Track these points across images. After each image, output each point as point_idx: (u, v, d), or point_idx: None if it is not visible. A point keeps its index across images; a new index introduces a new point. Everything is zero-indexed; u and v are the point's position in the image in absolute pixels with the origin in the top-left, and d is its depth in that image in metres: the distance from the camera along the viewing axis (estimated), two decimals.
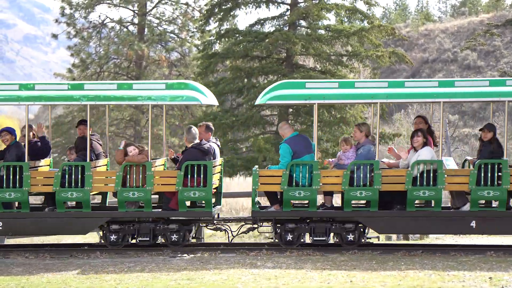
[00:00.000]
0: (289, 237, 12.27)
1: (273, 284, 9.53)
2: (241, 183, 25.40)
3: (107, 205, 13.71)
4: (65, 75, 39.99)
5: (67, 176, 12.38)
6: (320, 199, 12.97)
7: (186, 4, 38.74)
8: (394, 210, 12.13)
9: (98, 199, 15.01)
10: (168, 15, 39.04)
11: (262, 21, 28.51)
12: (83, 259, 12.00)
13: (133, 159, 12.35)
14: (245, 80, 27.42)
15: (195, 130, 12.64)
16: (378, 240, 12.96)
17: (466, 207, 12.11)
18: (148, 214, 12.36)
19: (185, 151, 12.60)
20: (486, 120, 47.29)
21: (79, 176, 12.34)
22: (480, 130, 12.50)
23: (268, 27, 28.92)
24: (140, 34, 38.18)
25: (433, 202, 12.11)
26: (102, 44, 38.26)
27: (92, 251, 12.39)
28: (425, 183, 11.89)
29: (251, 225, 12.93)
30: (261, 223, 12.72)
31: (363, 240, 12.33)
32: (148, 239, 12.42)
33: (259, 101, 12.47)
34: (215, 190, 13.07)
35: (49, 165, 13.63)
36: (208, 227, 13.13)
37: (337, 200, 15.11)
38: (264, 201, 13.03)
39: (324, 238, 12.22)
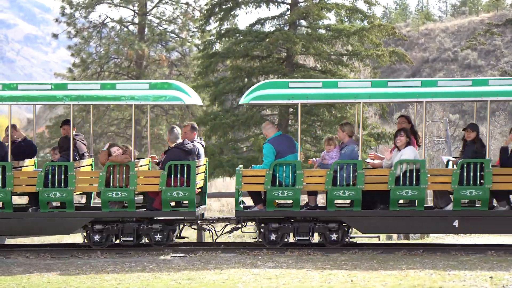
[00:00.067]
0: (273, 236, 12.30)
1: (274, 284, 9.53)
2: None
3: (91, 205, 13.70)
4: (65, 75, 39.96)
5: (50, 176, 12.38)
6: (305, 199, 12.99)
7: (187, 3, 38.71)
8: (378, 209, 12.17)
9: (84, 199, 15.00)
10: (169, 15, 39.01)
11: (262, 21, 28.47)
12: (83, 259, 12.00)
13: (116, 159, 12.37)
14: (246, 79, 27.38)
15: (177, 130, 12.69)
16: (379, 240, 12.97)
17: (449, 207, 12.14)
18: (131, 214, 12.38)
19: (168, 151, 12.61)
20: (486, 120, 47.25)
21: (62, 176, 12.33)
22: (464, 130, 12.55)
23: (268, 27, 28.89)
24: (141, 33, 38.16)
25: (416, 201, 12.12)
26: (103, 44, 38.24)
27: (92, 251, 12.39)
28: (408, 182, 11.91)
29: (235, 225, 12.91)
30: (245, 223, 12.70)
31: (346, 240, 12.40)
32: (131, 239, 12.44)
33: (242, 100, 12.55)
34: (199, 190, 13.09)
35: (33, 165, 13.62)
36: (192, 227, 13.13)
37: (322, 200, 15.16)
38: (250, 201, 13.05)
39: (307, 238, 12.24)
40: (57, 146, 13.51)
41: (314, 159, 13.09)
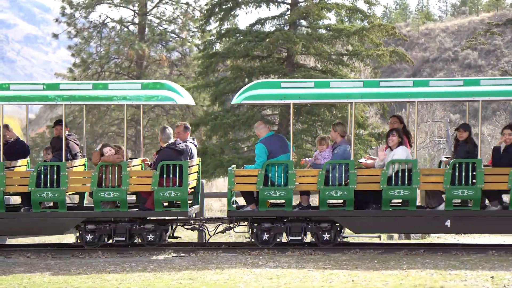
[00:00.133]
0: (265, 236, 12.31)
1: (275, 284, 9.53)
2: None
3: (84, 205, 13.69)
4: (66, 75, 39.97)
5: (42, 176, 12.39)
6: (297, 199, 13.00)
7: (187, 3, 38.70)
8: (370, 209, 12.17)
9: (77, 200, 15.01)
10: (169, 15, 39.00)
11: (262, 21, 28.46)
12: (84, 258, 12.00)
13: (108, 159, 12.39)
14: (246, 79, 27.37)
15: (169, 130, 12.71)
16: (380, 239, 12.97)
17: (442, 207, 12.15)
18: (124, 214, 12.38)
19: (160, 151, 12.62)
20: (486, 119, 47.29)
21: (55, 176, 12.33)
22: (456, 130, 12.55)
23: (268, 27, 28.89)
24: (141, 34, 38.15)
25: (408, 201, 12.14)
26: (103, 44, 38.23)
27: (93, 251, 12.39)
28: (400, 182, 11.92)
29: (228, 225, 12.91)
30: (237, 223, 12.70)
31: (339, 239, 12.41)
32: (124, 239, 12.44)
33: (234, 100, 12.56)
34: (192, 190, 13.10)
35: (26, 165, 13.61)
36: (185, 227, 13.14)
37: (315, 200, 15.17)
38: (243, 201, 13.07)
39: (300, 238, 12.24)
40: (50, 146, 13.51)
41: (306, 158, 13.11)
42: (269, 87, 12.49)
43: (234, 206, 12.49)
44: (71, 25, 38.22)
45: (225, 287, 9.48)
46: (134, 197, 13.69)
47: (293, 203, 12.35)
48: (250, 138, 28.15)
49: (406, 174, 11.96)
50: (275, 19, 28.37)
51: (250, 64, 27.53)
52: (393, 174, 12.00)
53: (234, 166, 12.77)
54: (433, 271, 10.17)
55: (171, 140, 12.61)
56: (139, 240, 12.75)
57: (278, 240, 12.47)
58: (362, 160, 13.00)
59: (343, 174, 12.06)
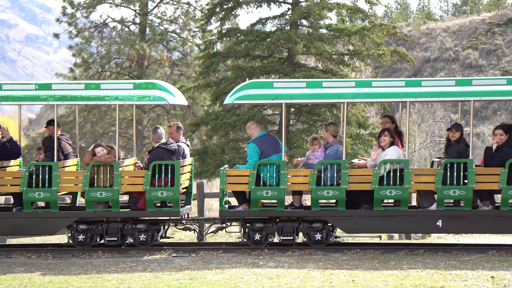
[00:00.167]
0: (257, 236, 12.31)
1: (275, 284, 9.52)
2: None
3: (77, 205, 13.69)
4: (66, 75, 40.01)
5: (34, 176, 12.38)
6: (290, 199, 12.99)
7: (188, 3, 38.72)
8: (361, 209, 12.17)
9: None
10: (170, 15, 39.02)
11: (263, 21, 28.46)
12: (85, 258, 12.01)
13: (100, 159, 12.39)
14: (247, 79, 27.35)
15: (161, 130, 12.71)
16: (380, 239, 12.96)
17: (433, 207, 12.15)
18: (115, 214, 12.39)
19: (151, 151, 12.62)
20: (487, 119, 47.27)
21: (47, 176, 12.32)
22: (448, 130, 12.55)
23: (269, 27, 28.88)
24: (142, 33, 38.17)
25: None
26: (104, 43, 38.26)
27: (94, 251, 12.40)
28: (391, 182, 11.92)
29: (220, 225, 12.92)
30: (229, 223, 12.70)
31: (331, 239, 12.39)
32: (116, 239, 12.44)
33: (226, 100, 12.56)
34: (184, 190, 13.10)
35: (18, 165, 13.61)
36: (177, 227, 13.15)
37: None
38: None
39: (292, 238, 12.24)
40: (42, 146, 13.50)
41: (299, 158, 13.11)
42: (261, 87, 12.48)
43: (226, 206, 12.48)
44: (72, 25, 38.26)
45: (225, 287, 9.48)
46: (126, 197, 13.67)
47: (286, 203, 12.34)
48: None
49: (398, 174, 11.96)
50: (276, 19, 28.36)
51: (251, 64, 27.52)
52: (385, 174, 12.00)
53: (226, 166, 12.76)
54: (434, 271, 10.17)
55: (163, 140, 12.62)
56: (131, 240, 12.76)
57: (270, 240, 12.46)
58: (355, 161, 13.02)
59: (335, 174, 12.06)
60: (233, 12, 28.74)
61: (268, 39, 26.36)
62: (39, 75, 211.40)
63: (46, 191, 12.31)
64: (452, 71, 56.94)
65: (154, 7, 39.00)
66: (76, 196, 13.78)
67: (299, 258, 11.49)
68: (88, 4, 37.71)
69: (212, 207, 25.70)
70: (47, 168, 12.35)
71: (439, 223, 12.06)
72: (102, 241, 12.73)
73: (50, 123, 13.48)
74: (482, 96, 12.11)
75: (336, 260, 11.20)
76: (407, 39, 33.96)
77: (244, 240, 12.49)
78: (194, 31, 38.56)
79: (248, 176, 12.12)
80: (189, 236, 19.20)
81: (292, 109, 26.93)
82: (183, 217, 13.06)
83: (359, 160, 12.95)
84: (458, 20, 66.46)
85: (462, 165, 11.92)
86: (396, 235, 16.33)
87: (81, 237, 12.52)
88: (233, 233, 14.15)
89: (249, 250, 12.23)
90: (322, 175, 12.06)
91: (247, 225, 12.43)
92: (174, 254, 12.08)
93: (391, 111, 35.51)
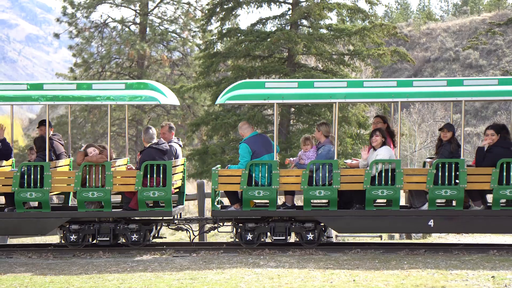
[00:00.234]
0: (249, 236, 12.30)
1: (276, 284, 9.52)
2: None
3: (69, 205, 13.69)
4: (67, 75, 40.04)
5: (26, 176, 12.37)
6: (282, 199, 12.99)
7: (188, 3, 38.75)
8: (353, 209, 12.17)
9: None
10: (170, 15, 39.06)
11: (263, 21, 28.49)
12: (85, 258, 12.01)
13: (91, 159, 12.38)
14: (247, 79, 27.41)
15: (153, 130, 12.71)
16: (381, 239, 12.96)
17: (425, 207, 12.16)
18: (107, 214, 12.38)
19: (143, 151, 12.63)
20: (487, 119, 47.25)
21: (38, 176, 12.31)
22: (440, 130, 12.55)
23: (270, 27, 28.93)
24: (142, 33, 38.20)
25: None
26: (104, 43, 38.28)
27: (95, 251, 12.40)
28: (383, 182, 11.92)
29: (212, 225, 12.93)
30: (222, 223, 12.71)
31: (322, 239, 12.39)
32: (108, 239, 12.43)
33: (218, 100, 12.54)
34: (177, 190, 13.10)
35: (11, 165, 13.59)
36: (169, 227, 13.14)
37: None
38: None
39: (284, 238, 12.24)
40: (33, 146, 13.47)
41: (291, 158, 13.10)
42: (253, 87, 12.47)
43: (219, 206, 12.49)
44: (73, 25, 38.30)
45: (226, 287, 9.48)
46: (119, 197, 13.65)
47: (278, 203, 12.34)
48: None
49: (390, 174, 11.96)
50: (276, 19, 28.40)
51: (251, 64, 27.56)
52: (377, 174, 12.00)
53: (218, 166, 12.75)
54: (434, 271, 10.17)
55: (154, 140, 12.62)
56: (123, 240, 12.76)
57: (262, 240, 12.45)
58: (348, 161, 13.02)
59: (327, 174, 12.06)
60: (233, 12, 28.78)
61: (269, 39, 26.39)
62: (40, 75, 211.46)
63: (38, 191, 12.30)
64: (453, 71, 56.96)
65: (155, 7, 39.03)
66: (69, 196, 13.77)
67: (300, 258, 11.49)
68: (89, 4, 37.74)
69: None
70: (39, 168, 12.34)
71: (431, 223, 12.06)
72: (94, 241, 12.72)
73: (42, 123, 13.44)
74: (474, 96, 12.13)
75: (337, 260, 11.21)
76: (407, 39, 34.00)
77: (237, 240, 12.49)
78: (195, 31, 38.59)
79: (240, 176, 12.10)
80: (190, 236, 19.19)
81: (292, 109, 26.94)
82: (176, 217, 13.05)
83: (351, 161, 12.96)
84: (458, 20, 66.49)
85: (453, 165, 11.92)
86: (397, 235, 16.33)
87: (73, 237, 12.50)
88: (225, 233, 14.11)
89: (250, 250, 12.24)
90: (314, 175, 12.07)
91: (239, 225, 12.42)
92: (175, 254, 12.08)
93: (391, 111, 35.58)
